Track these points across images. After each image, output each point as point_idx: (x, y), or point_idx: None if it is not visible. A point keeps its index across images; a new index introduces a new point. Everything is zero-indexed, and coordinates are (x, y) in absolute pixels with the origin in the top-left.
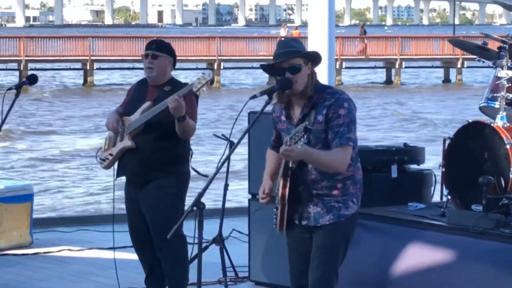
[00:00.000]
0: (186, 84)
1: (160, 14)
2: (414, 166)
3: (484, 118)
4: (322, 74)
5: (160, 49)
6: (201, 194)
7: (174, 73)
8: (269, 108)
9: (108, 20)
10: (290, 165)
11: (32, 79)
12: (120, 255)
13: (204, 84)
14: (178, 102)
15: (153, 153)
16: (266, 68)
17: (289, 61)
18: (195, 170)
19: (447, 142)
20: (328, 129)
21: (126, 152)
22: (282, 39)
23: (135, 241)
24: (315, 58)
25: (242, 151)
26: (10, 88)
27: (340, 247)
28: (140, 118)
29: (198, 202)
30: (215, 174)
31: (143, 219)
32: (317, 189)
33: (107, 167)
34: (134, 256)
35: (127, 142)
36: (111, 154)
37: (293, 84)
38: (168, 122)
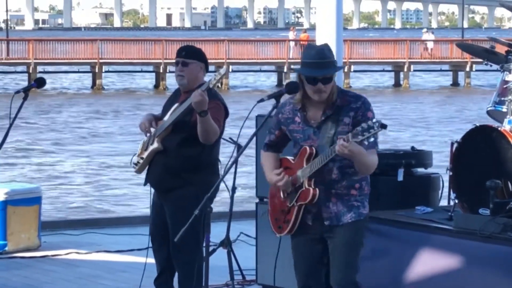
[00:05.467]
0: (215, 91)
1: (169, 17)
2: (421, 170)
3: (491, 122)
4: None
5: (190, 56)
6: (208, 198)
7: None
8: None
9: (117, 23)
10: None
11: (40, 82)
12: (127, 258)
13: (219, 79)
14: (201, 96)
15: (175, 159)
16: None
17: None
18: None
19: (455, 146)
20: None
21: (154, 156)
22: (314, 45)
23: (153, 240)
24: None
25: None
26: (18, 91)
27: (361, 245)
28: (168, 119)
29: (205, 206)
30: (223, 177)
31: (165, 220)
32: (336, 188)
33: (138, 171)
34: (141, 259)
35: (155, 144)
36: (142, 158)
37: (323, 93)
38: (194, 125)
